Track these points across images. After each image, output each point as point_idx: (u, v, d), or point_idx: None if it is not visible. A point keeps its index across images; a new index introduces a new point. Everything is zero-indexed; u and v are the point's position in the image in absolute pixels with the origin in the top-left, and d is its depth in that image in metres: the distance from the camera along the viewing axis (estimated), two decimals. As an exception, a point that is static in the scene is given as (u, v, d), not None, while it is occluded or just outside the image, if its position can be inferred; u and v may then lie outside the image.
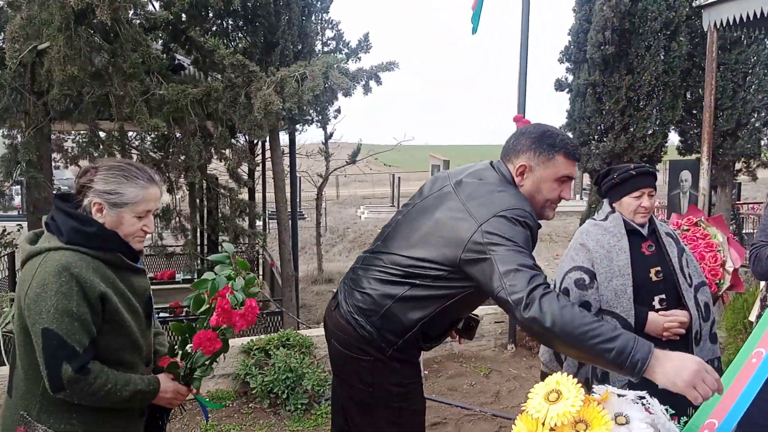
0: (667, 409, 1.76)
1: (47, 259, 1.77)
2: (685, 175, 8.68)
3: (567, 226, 17.83)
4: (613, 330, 1.73)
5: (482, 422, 4.16)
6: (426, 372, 4.96)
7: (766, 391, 1.88)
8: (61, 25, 4.70)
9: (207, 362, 1.95)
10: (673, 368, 1.71)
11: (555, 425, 1.47)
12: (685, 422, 1.81)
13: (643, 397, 1.69)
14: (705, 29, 5.82)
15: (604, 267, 2.58)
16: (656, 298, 2.60)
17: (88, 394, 1.75)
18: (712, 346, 2.68)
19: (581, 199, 21.82)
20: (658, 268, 2.62)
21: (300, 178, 13.93)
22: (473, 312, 2.43)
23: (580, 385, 1.53)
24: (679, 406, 2.56)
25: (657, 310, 2.58)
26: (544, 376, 2.87)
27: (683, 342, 2.58)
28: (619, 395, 1.62)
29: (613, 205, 2.70)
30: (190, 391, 2.01)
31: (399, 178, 21.90)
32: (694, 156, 9.14)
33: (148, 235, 1.98)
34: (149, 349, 1.99)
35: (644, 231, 2.66)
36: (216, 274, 1.96)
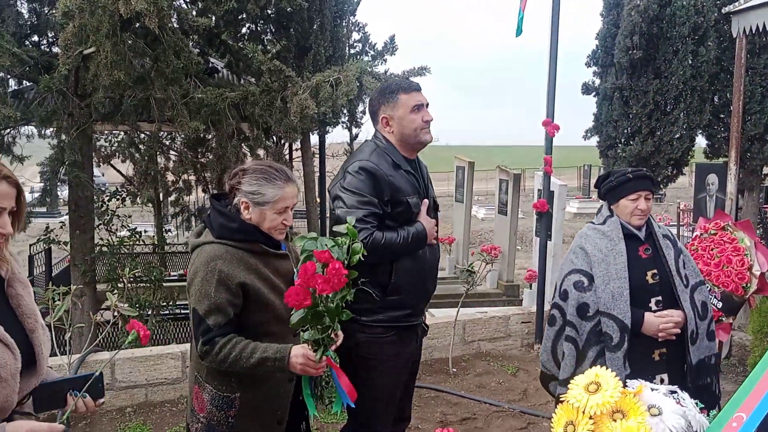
0: (697, 403, 1.89)
1: (202, 251, 2.10)
2: (712, 178, 8.66)
3: (590, 228, 17.77)
4: (406, 232, 2.55)
5: (510, 419, 4.28)
6: (455, 369, 5.10)
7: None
8: (108, 32, 4.90)
9: (326, 335, 2.04)
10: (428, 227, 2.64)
11: (594, 414, 1.59)
12: (715, 415, 1.92)
13: (675, 392, 1.81)
14: (734, 35, 5.87)
15: (601, 270, 2.66)
16: (652, 300, 2.67)
17: (218, 361, 2.05)
18: (709, 343, 2.74)
19: (604, 201, 21.63)
20: (655, 271, 2.69)
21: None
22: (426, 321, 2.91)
23: (618, 378, 1.65)
24: (707, 401, 2.68)
25: (654, 311, 2.65)
26: (543, 375, 2.98)
27: (679, 341, 2.66)
28: (652, 389, 1.74)
29: (612, 207, 2.78)
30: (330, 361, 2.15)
31: (423, 178, 21.94)
32: (721, 160, 9.13)
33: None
34: None
35: (641, 234, 2.72)
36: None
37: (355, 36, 15.31)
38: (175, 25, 5.63)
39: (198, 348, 2.06)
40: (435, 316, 6.48)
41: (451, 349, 5.11)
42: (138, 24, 5.29)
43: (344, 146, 14.38)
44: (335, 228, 2.32)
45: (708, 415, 1.91)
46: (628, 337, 2.61)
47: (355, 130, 14.99)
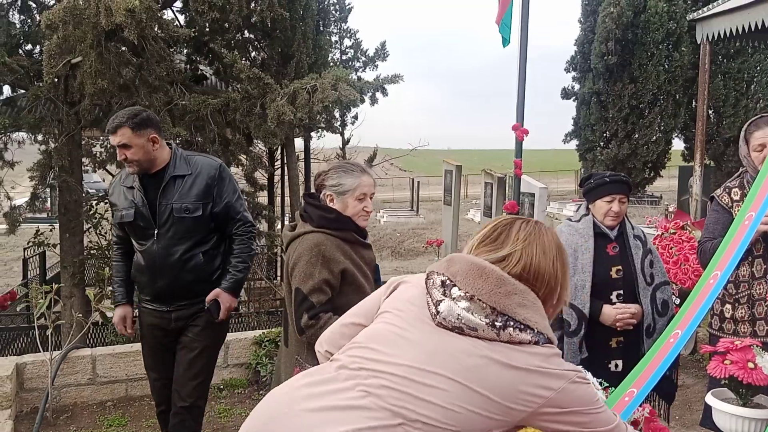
0: (601, 382, 2.10)
1: (303, 240, 2.39)
2: (693, 181, 8.87)
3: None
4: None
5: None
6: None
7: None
8: (93, 42, 5.12)
9: None
10: None
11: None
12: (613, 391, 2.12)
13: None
14: (698, 42, 6.07)
15: (569, 264, 2.89)
16: (614, 293, 2.89)
17: (318, 336, 2.27)
18: None
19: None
20: (620, 267, 2.91)
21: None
22: None
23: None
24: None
25: (613, 303, 2.87)
26: None
27: (635, 333, 2.89)
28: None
29: (589, 206, 3.01)
30: None
31: (419, 182, 22.16)
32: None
33: None
34: None
35: (612, 234, 2.95)
36: None
37: (347, 42, 15.49)
38: (160, 35, 5.84)
39: (302, 322, 2.29)
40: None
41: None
42: (123, 34, 5.50)
43: (336, 150, 14.56)
44: None
45: (607, 393, 2.12)
46: (585, 324, 2.84)
47: (347, 135, 15.15)
